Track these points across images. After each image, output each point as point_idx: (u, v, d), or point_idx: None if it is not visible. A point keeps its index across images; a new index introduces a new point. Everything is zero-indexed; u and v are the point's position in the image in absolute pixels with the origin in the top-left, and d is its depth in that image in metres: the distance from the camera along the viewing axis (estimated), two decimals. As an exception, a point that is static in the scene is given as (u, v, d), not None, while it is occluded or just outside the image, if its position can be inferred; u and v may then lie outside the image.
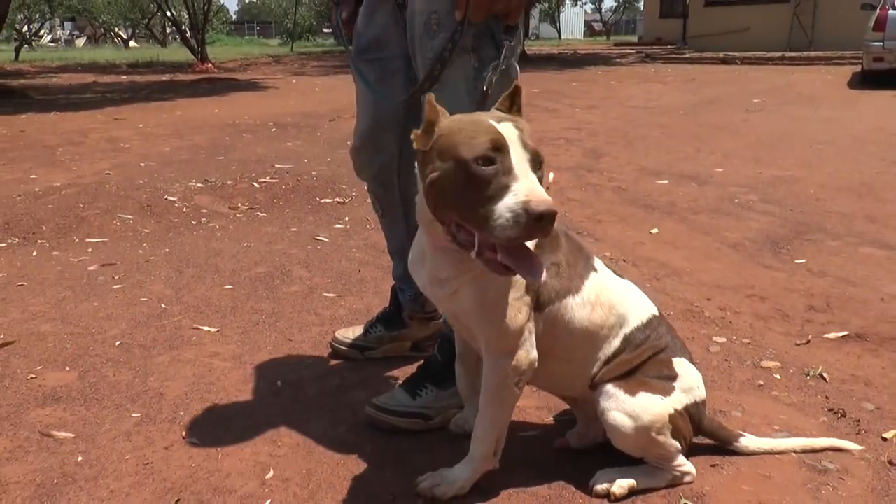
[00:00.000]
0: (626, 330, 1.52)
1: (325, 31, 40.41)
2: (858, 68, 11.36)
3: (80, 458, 1.67)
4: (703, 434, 1.61)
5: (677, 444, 1.49)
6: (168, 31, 35.68)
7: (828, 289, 2.70)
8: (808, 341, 2.27)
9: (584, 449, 1.65)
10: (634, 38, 33.67)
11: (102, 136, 6.64)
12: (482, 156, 1.16)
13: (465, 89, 1.55)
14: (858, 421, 1.79)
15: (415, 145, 1.29)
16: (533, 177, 1.17)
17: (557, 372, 1.52)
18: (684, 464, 1.53)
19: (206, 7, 19.78)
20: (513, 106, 1.36)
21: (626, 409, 1.45)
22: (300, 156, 5.50)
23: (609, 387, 1.48)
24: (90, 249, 3.35)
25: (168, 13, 22.54)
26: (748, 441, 1.63)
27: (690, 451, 1.57)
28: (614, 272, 1.58)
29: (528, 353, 1.42)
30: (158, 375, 2.09)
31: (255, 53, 23.96)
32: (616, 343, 1.51)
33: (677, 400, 1.49)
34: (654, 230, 3.52)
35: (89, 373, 2.11)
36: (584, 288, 1.47)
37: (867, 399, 1.90)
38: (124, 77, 15.56)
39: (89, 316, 2.54)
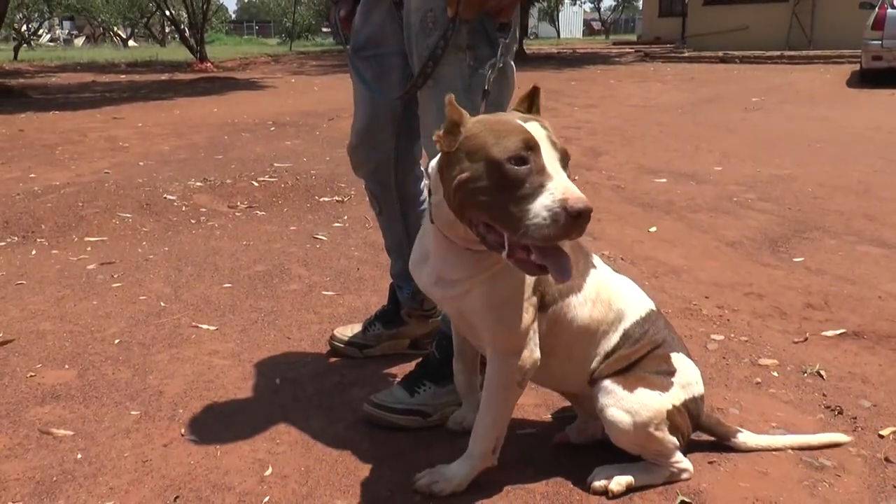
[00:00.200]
0: (625, 325, 1.53)
1: (324, 30, 40.40)
2: (857, 67, 11.37)
3: (79, 456, 1.67)
4: (700, 430, 1.62)
5: (675, 440, 1.49)
6: (167, 30, 35.66)
7: (826, 287, 2.71)
8: (806, 339, 2.28)
9: (583, 444, 1.65)
10: (633, 37, 33.69)
11: (101, 136, 6.64)
12: (515, 155, 1.15)
13: (461, 87, 1.55)
14: (855, 418, 1.80)
15: (438, 147, 1.27)
16: (565, 175, 1.16)
17: (558, 369, 1.53)
18: (682, 460, 1.53)
19: (204, 6, 19.77)
20: (532, 106, 1.37)
21: (624, 405, 1.46)
22: (299, 155, 5.51)
23: (608, 383, 1.49)
24: (89, 248, 3.36)
25: (167, 12, 22.53)
26: (745, 438, 1.64)
27: (688, 448, 1.58)
28: (611, 268, 1.58)
29: (532, 352, 1.43)
30: (157, 373, 2.09)
31: (253, 53, 23.96)
32: (615, 338, 1.52)
33: (675, 395, 1.50)
34: (653, 229, 3.53)
35: (88, 371, 2.11)
36: (585, 286, 1.48)
37: (864, 396, 1.91)
38: (123, 76, 15.56)
39: (88, 314, 2.54)
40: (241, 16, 60.21)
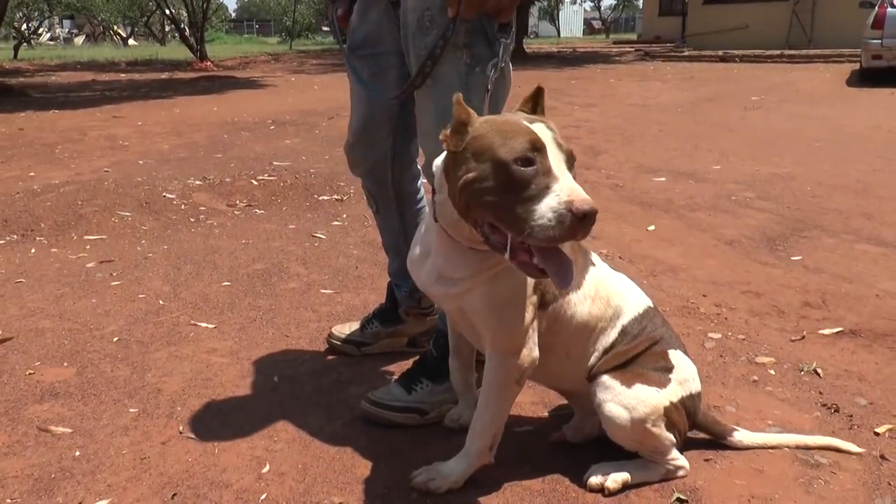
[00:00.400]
0: (623, 321, 1.53)
1: (325, 29, 40.38)
2: (857, 66, 11.36)
3: (77, 453, 1.68)
4: (697, 428, 1.62)
5: (672, 437, 1.50)
6: (167, 29, 35.65)
7: (823, 285, 2.71)
8: (803, 337, 2.28)
9: (580, 442, 1.66)
10: (634, 36, 33.67)
11: (101, 134, 6.64)
12: (522, 156, 1.15)
13: (458, 86, 1.56)
14: (851, 416, 1.81)
15: (444, 146, 1.28)
16: (571, 176, 1.17)
17: (557, 366, 1.53)
18: (678, 458, 1.54)
19: (204, 5, 19.77)
20: (536, 107, 1.37)
21: (622, 401, 1.46)
22: (298, 153, 5.51)
23: (606, 379, 1.49)
24: (88, 246, 3.36)
25: (167, 11, 22.52)
26: (742, 436, 1.64)
27: (684, 446, 1.58)
28: (608, 266, 1.59)
29: (531, 351, 1.43)
30: (156, 371, 2.10)
31: (254, 51, 23.96)
32: (613, 335, 1.53)
33: (673, 392, 1.50)
34: (651, 227, 3.53)
35: (87, 368, 2.12)
36: (585, 283, 1.49)
37: (860, 394, 1.91)
38: (123, 75, 15.56)
39: (87, 312, 2.54)
40: (242, 14, 60.22)
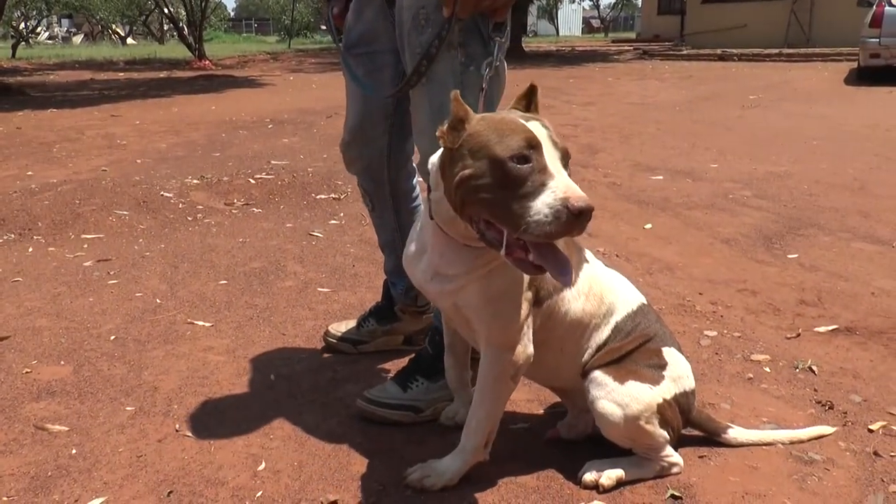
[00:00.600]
0: (616, 318, 1.54)
1: (323, 28, 40.31)
2: (856, 65, 11.37)
3: (74, 451, 1.68)
4: (691, 425, 1.63)
5: (665, 434, 1.50)
6: (166, 28, 35.62)
7: (819, 283, 2.72)
8: (799, 335, 2.29)
9: (574, 440, 1.66)
10: (632, 35, 33.67)
11: (99, 133, 6.64)
12: (518, 154, 1.16)
13: (453, 84, 1.56)
14: (846, 413, 1.81)
15: (441, 143, 1.28)
16: (566, 174, 1.18)
17: (551, 362, 1.54)
18: (672, 455, 1.54)
19: (203, 4, 19.75)
20: (530, 104, 1.38)
21: (615, 398, 1.47)
22: (296, 152, 5.52)
23: (599, 375, 1.50)
24: (86, 245, 3.36)
25: (165, 10, 22.50)
26: (736, 433, 1.65)
27: (678, 443, 1.59)
28: (602, 263, 1.60)
29: (526, 347, 1.44)
30: (153, 369, 2.10)
31: (252, 50, 23.94)
32: (606, 332, 1.53)
33: (666, 389, 1.51)
34: (648, 226, 3.54)
35: (84, 367, 2.12)
36: (579, 280, 1.50)
37: (855, 391, 1.92)
38: (121, 74, 15.55)
39: (84, 311, 2.55)
40: (240, 13, 60.19)
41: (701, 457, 1.61)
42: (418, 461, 1.56)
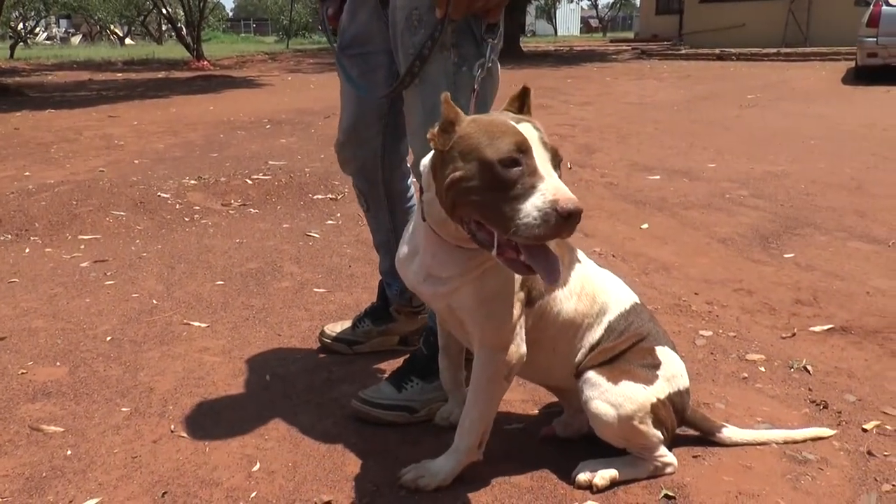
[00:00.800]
0: (609, 318, 1.54)
1: (321, 28, 40.30)
2: (853, 64, 11.38)
3: (69, 452, 1.69)
4: (685, 425, 1.63)
5: (659, 433, 1.51)
6: (164, 28, 35.59)
7: (815, 283, 2.72)
8: (794, 334, 2.29)
9: (569, 438, 1.67)
10: (631, 35, 33.68)
11: (97, 134, 6.64)
12: (507, 157, 1.17)
13: (446, 85, 1.56)
14: (840, 412, 1.81)
15: (432, 145, 1.29)
16: (556, 175, 1.18)
17: (544, 362, 1.54)
18: (666, 454, 1.54)
19: (201, 4, 19.74)
20: (522, 107, 1.38)
21: (608, 398, 1.47)
22: (294, 152, 5.52)
23: (592, 375, 1.50)
24: (83, 246, 3.36)
25: (164, 10, 22.48)
26: (730, 432, 1.65)
27: (672, 443, 1.59)
28: (594, 263, 1.60)
29: (519, 347, 1.44)
30: (148, 370, 2.10)
31: (250, 51, 23.93)
32: (599, 331, 1.54)
33: (660, 389, 1.51)
34: (645, 225, 3.54)
35: (80, 368, 2.12)
36: (571, 280, 1.50)
37: (849, 391, 1.92)
38: (120, 74, 15.54)
39: (81, 312, 2.55)
40: (238, 14, 60.15)
41: (695, 456, 1.61)
42: (413, 462, 1.56)
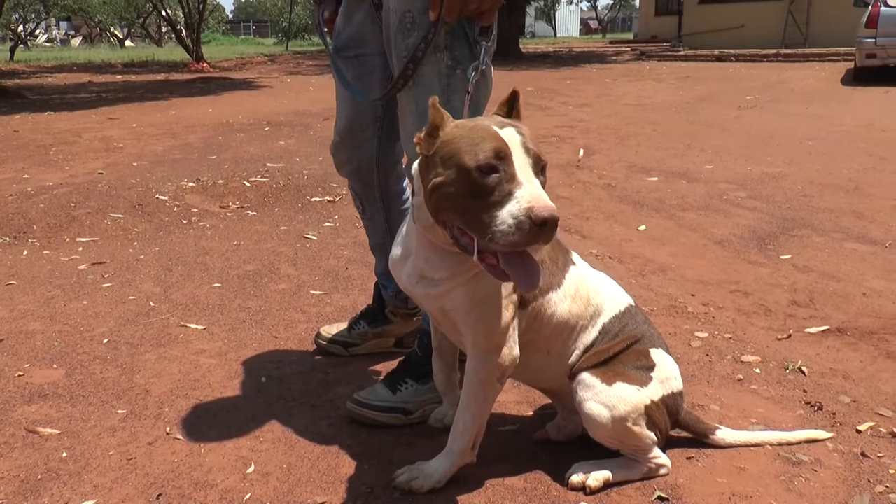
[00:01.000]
0: (603, 320, 1.55)
1: (317, 30, 40.28)
2: (853, 65, 11.38)
3: (64, 454, 1.69)
4: (679, 427, 1.63)
5: (653, 435, 1.51)
6: (164, 30, 35.64)
7: (811, 284, 2.73)
8: (790, 336, 2.30)
9: (563, 441, 1.67)
10: (630, 36, 33.71)
11: (96, 136, 6.65)
12: (485, 164, 1.17)
13: (439, 87, 1.57)
14: (834, 413, 1.82)
15: (417, 149, 1.29)
16: (536, 182, 1.18)
17: (538, 364, 1.55)
18: (660, 456, 1.55)
19: (200, 6, 19.75)
20: (511, 110, 1.38)
21: (602, 399, 1.48)
22: (292, 154, 5.52)
23: (586, 377, 1.50)
24: (81, 248, 3.37)
25: (163, 13, 22.50)
26: (724, 434, 1.65)
27: (666, 444, 1.59)
28: (589, 265, 1.60)
29: (512, 349, 1.44)
30: (145, 372, 2.11)
31: (250, 53, 23.95)
32: (593, 333, 1.54)
33: (654, 390, 1.51)
34: (642, 227, 3.54)
35: (76, 370, 2.13)
36: (565, 282, 1.50)
37: (844, 392, 1.93)
38: (119, 77, 15.55)
39: (78, 314, 2.55)
40: (238, 16, 60.20)
41: (689, 458, 1.61)
42: (407, 463, 1.56)
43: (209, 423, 1.82)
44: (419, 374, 1.79)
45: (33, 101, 10.20)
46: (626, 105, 8.60)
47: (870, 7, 10.37)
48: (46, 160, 5.45)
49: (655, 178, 4.60)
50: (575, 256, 1.57)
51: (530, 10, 39.48)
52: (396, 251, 1.50)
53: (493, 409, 1.53)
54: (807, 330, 2.33)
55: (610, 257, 3.08)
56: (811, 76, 11.65)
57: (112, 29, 37.21)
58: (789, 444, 1.67)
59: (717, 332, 2.32)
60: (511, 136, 1.21)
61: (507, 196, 1.15)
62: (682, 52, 18.16)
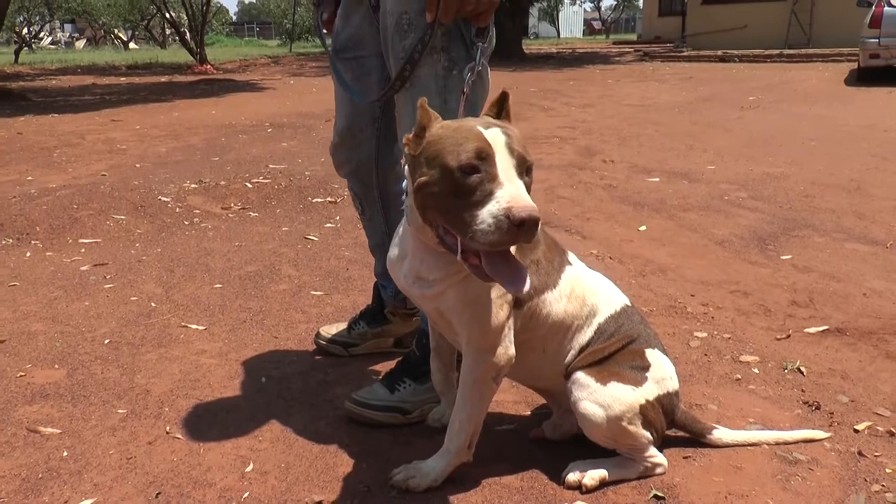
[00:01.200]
0: (599, 320, 1.55)
1: (316, 31, 40.36)
2: (856, 65, 11.36)
3: (65, 454, 1.70)
4: (676, 426, 1.64)
5: (648, 434, 1.51)
6: (168, 32, 35.75)
7: (811, 284, 2.73)
8: (789, 336, 2.30)
9: (559, 440, 1.68)
10: (634, 37, 33.69)
11: (99, 138, 6.68)
12: (467, 164, 1.18)
13: (435, 88, 1.58)
14: (832, 413, 1.82)
15: (405, 150, 1.31)
16: (519, 183, 1.19)
17: (534, 363, 1.55)
18: (656, 455, 1.55)
19: (204, 9, 19.81)
20: (501, 112, 1.39)
21: (597, 399, 1.48)
22: (294, 156, 5.54)
23: (581, 376, 1.51)
24: (83, 250, 3.39)
25: (167, 15, 22.58)
26: (721, 433, 1.65)
27: (663, 444, 1.60)
28: (585, 265, 1.61)
29: (507, 349, 1.45)
30: (145, 373, 2.12)
31: (253, 54, 24.01)
32: (589, 333, 1.55)
33: (649, 390, 1.52)
34: (643, 227, 3.55)
35: (78, 370, 2.14)
36: (561, 282, 1.51)
37: (842, 392, 1.93)
38: (123, 79, 15.60)
39: (80, 315, 2.57)
40: (242, 17, 60.36)
41: (685, 457, 1.62)
42: (404, 462, 1.57)
43: (209, 422, 1.84)
44: (417, 374, 1.80)
45: (37, 103, 10.24)
46: (629, 106, 8.60)
47: (873, 7, 10.34)
48: (50, 162, 5.48)
49: (657, 179, 4.60)
50: (571, 256, 1.58)
51: (534, 11, 39.48)
52: (394, 252, 1.51)
53: (490, 408, 1.54)
54: (806, 330, 2.33)
55: (610, 258, 3.09)
56: (814, 76, 11.64)
57: (116, 31, 37.34)
58: (786, 443, 1.67)
59: (716, 332, 2.33)
60: (495, 136, 1.22)
61: (488, 196, 1.16)
62: (685, 53, 18.16)
